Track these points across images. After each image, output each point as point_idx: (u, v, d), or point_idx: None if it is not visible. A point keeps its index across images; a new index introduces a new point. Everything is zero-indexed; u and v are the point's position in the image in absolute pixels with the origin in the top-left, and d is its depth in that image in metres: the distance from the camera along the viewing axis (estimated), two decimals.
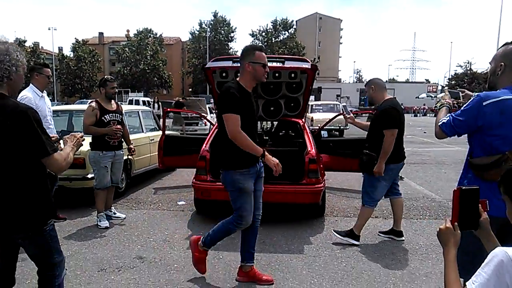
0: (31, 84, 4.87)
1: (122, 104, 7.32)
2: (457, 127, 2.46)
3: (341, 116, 5.80)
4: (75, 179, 5.78)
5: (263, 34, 66.24)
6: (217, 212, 5.82)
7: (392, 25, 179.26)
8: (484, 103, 2.33)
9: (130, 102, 26.81)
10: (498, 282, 1.16)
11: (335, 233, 4.81)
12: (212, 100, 16.00)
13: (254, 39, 66.47)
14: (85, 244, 4.65)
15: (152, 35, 63.46)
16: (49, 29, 76.32)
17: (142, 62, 59.34)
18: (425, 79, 77.99)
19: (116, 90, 5.46)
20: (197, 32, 64.84)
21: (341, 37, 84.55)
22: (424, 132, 20.29)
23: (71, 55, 60.64)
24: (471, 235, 1.54)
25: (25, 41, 56.98)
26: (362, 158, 4.60)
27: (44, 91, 5.05)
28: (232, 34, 66.39)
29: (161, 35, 64.83)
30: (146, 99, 30.81)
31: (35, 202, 2.27)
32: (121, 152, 5.47)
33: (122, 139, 5.47)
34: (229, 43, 66.21)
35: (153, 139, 7.61)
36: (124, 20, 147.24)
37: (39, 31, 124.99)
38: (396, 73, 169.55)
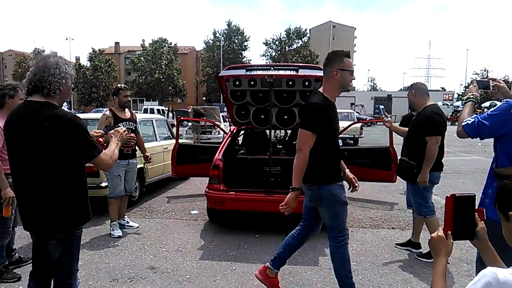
0: None
1: (137, 112, 7.35)
2: (480, 131, 2.37)
3: (356, 125, 5.70)
4: (89, 188, 5.75)
5: (277, 42, 66.43)
6: (230, 222, 5.78)
7: (407, 33, 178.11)
8: None
9: (145, 111, 27.07)
10: None
11: (397, 246, 4.79)
12: (225, 109, 16.03)
13: (268, 47, 66.69)
14: (97, 253, 4.63)
15: (167, 45, 64.12)
16: (66, 39, 77.90)
17: (157, 71, 59.96)
18: (441, 87, 76.90)
19: (129, 99, 5.48)
20: (211, 41, 65.34)
21: (355, 45, 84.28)
22: None
23: (88, 65, 61.67)
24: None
25: (43, 51, 58.03)
26: (401, 165, 4.47)
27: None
28: (245, 43, 66.73)
29: (175, 44, 65.50)
30: (160, 107, 31.08)
31: (73, 206, 2.39)
32: (135, 161, 5.47)
33: (136, 148, 5.47)
34: (242, 52, 66.53)
35: (166, 148, 7.61)
36: (140, 30, 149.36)
37: (57, 41, 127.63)
38: (411, 81, 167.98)
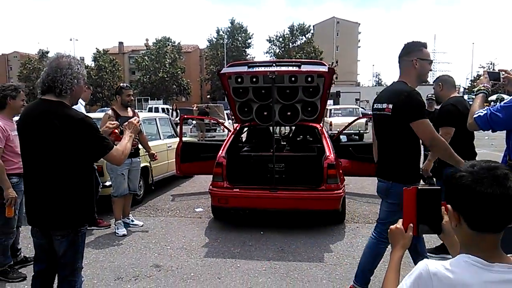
0: None
1: (140, 111, 7.36)
2: (493, 123, 2.33)
3: (361, 120, 5.68)
4: None
5: (280, 39, 66.17)
6: (235, 219, 5.77)
7: (412, 27, 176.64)
8: None
9: (150, 110, 27.11)
10: None
11: (431, 255, 4.58)
12: (229, 106, 15.98)
13: (271, 44, 66.43)
14: (102, 252, 4.63)
15: (170, 43, 64.12)
16: (70, 39, 78.02)
17: (161, 70, 59.95)
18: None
19: (132, 98, 5.46)
20: (215, 39, 65.26)
21: (359, 40, 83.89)
22: None
23: (92, 65, 61.82)
24: None
25: (47, 52, 58.33)
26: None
27: None
28: (249, 40, 66.55)
29: (179, 43, 65.48)
30: (165, 106, 31.11)
31: (80, 203, 2.45)
32: (138, 160, 5.46)
33: (139, 146, 5.46)
34: (246, 49, 66.38)
35: (170, 146, 7.60)
36: (143, 29, 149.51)
37: (62, 42, 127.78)
38: None
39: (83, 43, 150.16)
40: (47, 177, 2.38)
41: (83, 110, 5.26)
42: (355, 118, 9.29)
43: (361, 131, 16.56)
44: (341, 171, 5.43)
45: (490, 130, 2.44)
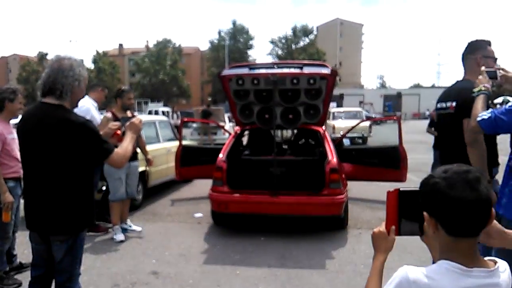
0: (88, 96, 5.23)
1: (141, 114, 7.28)
2: (498, 127, 2.24)
3: (365, 123, 5.62)
4: None
5: (283, 41, 66.22)
6: (235, 225, 5.68)
7: (416, 29, 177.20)
8: None
9: (150, 113, 27.06)
10: None
11: None
12: (230, 109, 15.71)
13: (274, 46, 66.50)
14: (99, 258, 4.55)
15: (171, 45, 64.21)
16: (70, 41, 77.88)
17: (161, 72, 60.03)
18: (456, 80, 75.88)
19: (133, 101, 5.38)
20: (216, 41, 65.31)
21: (362, 42, 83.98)
22: None
23: (92, 67, 61.90)
24: None
25: (47, 54, 58.40)
26: None
27: None
28: (251, 42, 66.62)
29: (180, 45, 65.57)
30: (165, 109, 31.07)
31: (80, 208, 2.42)
32: (136, 163, 5.38)
33: (137, 150, 5.37)
34: (248, 51, 66.39)
35: (169, 150, 7.52)
36: (143, 31, 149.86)
37: (61, 44, 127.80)
38: (421, 78, 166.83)
39: (83, 45, 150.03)
40: (47, 181, 2.36)
41: (95, 112, 5.30)
42: (359, 121, 9.21)
43: (364, 135, 16.45)
44: (343, 175, 5.34)
45: (496, 134, 2.36)
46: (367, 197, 7.33)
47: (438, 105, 3.15)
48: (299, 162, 5.59)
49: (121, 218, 5.32)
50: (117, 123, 3.01)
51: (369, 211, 6.40)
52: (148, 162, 5.58)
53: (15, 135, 3.74)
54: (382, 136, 17.24)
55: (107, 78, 59.68)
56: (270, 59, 63.13)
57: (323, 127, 6.19)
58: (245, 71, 5.50)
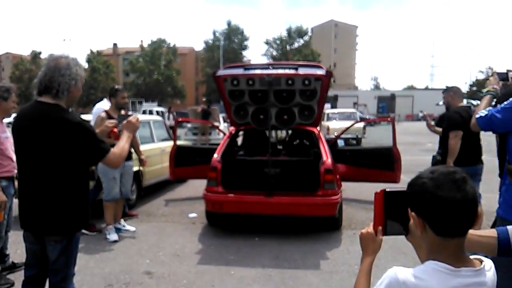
0: (106, 99, 5.61)
1: (136, 114, 7.25)
2: (493, 124, 2.29)
3: (359, 125, 5.67)
4: None
5: (278, 42, 66.24)
6: (229, 225, 5.67)
7: (410, 31, 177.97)
8: None
9: (144, 112, 26.94)
10: None
11: None
12: (224, 110, 15.50)
13: (269, 47, 66.51)
14: (92, 258, 4.53)
15: (165, 45, 64.00)
16: (64, 40, 77.51)
17: (156, 72, 59.81)
18: (446, 86, 76.56)
19: (127, 100, 5.35)
20: (211, 41, 65.18)
21: (357, 43, 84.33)
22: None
23: (86, 66, 61.52)
24: None
25: (40, 53, 57.95)
26: (433, 162, 4.81)
27: None
28: (245, 43, 66.58)
29: (174, 45, 65.39)
30: (160, 109, 30.94)
31: (75, 208, 2.40)
32: (131, 163, 5.35)
33: (132, 150, 5.35)
34: (242, 52, 66.34)
35: (164, 150, 7.49)
36: (138, 30, 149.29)
37: (55, 43, 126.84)
38: (415, 80, 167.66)
39: (77, 44, 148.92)
40: (43, 181, 2.34)
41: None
42: (353, 122, 9.23)
43: (358, 136, 16.48)
44: (338, 176, 5.36)
45: (492, 132, 2.40)
46: (361, 198, 7.34)
47: None
48: (294, 163, 5.59)
49: (115, 218, 5.29)
50: (114, 121, 2.99)
51: (363, 212, 6.42)
52: (142, 162, 5.57)
53: (8, 134, 3.72)
54: (376, 137, 17.32)
55: (101, 78, 59.35)
56: (264, 60, 63.16)
57: (318, 128, 6.21)
58: (240, 71, 5.49)
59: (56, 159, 2.31)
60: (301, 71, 5.34)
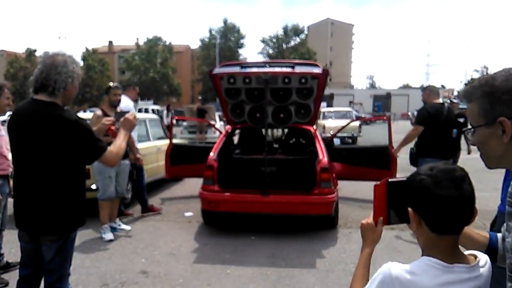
0: (125, 95, 5.84)
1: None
2: None
3: (355, 123, 5.74)
4: None
5: (274, 40, 66.17)
6: (225, 224, 5.65)
7: (406, 30, 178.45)
8: None
9: (140, 111, 26.83)
10: None
11: None
12: (221, 108, 15.43)
13: (265, 45, 66.45)
14: (88, 257, 4.50)
15: (161, 43, 63.77)
16: (59, 38, 77.16)
17: (152, 70, 59.61)
18: (441, 85, 76.55)
19: (120, 98, 5.30)
20: (207, 40, 65.01)
21: (353, 42, 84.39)
22: None
23: (81, 64, 61.08)
24: None
25: (35, 51, 57.53)
26: (409, 154, 5.60)
27: None
28: (242, 41, 66.45)
29: (170, 43, 65.17)
30: (156, 107, 30.83)
31: (71, 207, 2.38)
32: (126, 162, 5.32)
33: (128, 148, 5.32)
34: (239, 50, 66.23)
35: (160, 148, 7.46)
36: (134, 28, 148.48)
37: (50, 41, 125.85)
38: (411, 79, 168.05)
39: (72, 41, 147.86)
40: (39, 179, 2.32)
41: (132, 108, 5.94)
42: (349, 121, 9.22)
43: (354, 135, 16.49)
44: (334, 175, 5.35)
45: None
46: (357, 197, 7.36)
47: None
48: (290, 161, 5.59)
49: (110, 217, 5.26)
50: (111, 118, 2.96)
51: (359, 211, 6.42)
52: (137, 160, 5.54)
53: (3, 132, 3.68)
54: (372, 136, 17.39)
55: (97, 76, 59.10)
56: (261, 58, 63.03)
57: (314, 127, 6.20)
58: (236, 69, 5.47)
59: (52, 158, 2.29)
60: (298, 69, 5.33)
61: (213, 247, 4.82)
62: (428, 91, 5.50)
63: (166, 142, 7.23)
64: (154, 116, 9.52)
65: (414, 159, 5.42)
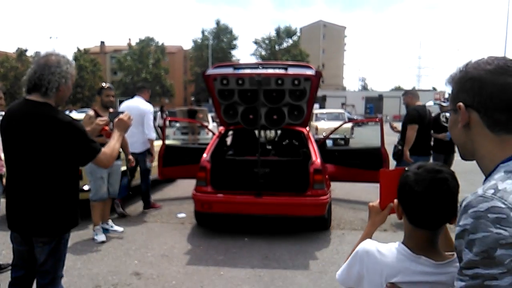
0: (139, 96, 6.30)
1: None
2: None
3: (347, 125, 5.81)
4: None
5: (267, 41, 66.26)
6: (218, 225, 5.64)
7: (398, 32, 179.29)
8: None
9: None
10: (349, 271, 1.36)
11: None
12: (214, 109, 15.40)
13: (258, 47, 66.50)
14: (80, 259, 4.46)
15: (154, 44, 63.53)
16: (50, 38, 76.35)
17: (144, 71, 59.33)
18: (432, 87, 77.15)
19: (112, 99, 5.27)
20: (199, 41, 64.90)
21: (345, 44, 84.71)
22: None
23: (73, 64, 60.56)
24: None
25: (26, 50, 56.98)
26: (394, 151, 5.89)
27: None
28: (234, 42, 66.45)
29: (163, 43, 64.94)
30: None
31: (64, 209, 2.37)
32: (119, 162, 5.29)
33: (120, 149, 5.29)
34: (231, 51, 66.21)
35: None
36: (126, 28, 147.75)
37: (41, 40, 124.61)
38: (402, 81, 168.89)
39: (63, 41, 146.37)
40: (32, 181, 2.30)
41: (151, 108, 6.28)
42: (341, 122, 9.26)
43: (347, 136, 16.56)
44: (327, 176, 5.37)
45: None
46: (350, 198, 7.39)
47: None
48: (283, 163, 5.59)
49: (102, 218, 5.23)
50: (105, 119, 2.94)
51: (352, 212, 6.45)
52: (129, 162, 5.52)
53: None
54: (364, 137, 17.47)
55: (88, 76, 58.61)
56: (253, 60, 63.17)
57: (307, 128, 6.21)
58: (229, 71, 5.47)
59: (45, 159, 2.27)
60: (291, 71, 5.34)
61: (206, 248, 4.81)
62: (411, 95, 6.05)
63: (159, 143, 7.20)
64: None
65: (400, 155, 5.73)
